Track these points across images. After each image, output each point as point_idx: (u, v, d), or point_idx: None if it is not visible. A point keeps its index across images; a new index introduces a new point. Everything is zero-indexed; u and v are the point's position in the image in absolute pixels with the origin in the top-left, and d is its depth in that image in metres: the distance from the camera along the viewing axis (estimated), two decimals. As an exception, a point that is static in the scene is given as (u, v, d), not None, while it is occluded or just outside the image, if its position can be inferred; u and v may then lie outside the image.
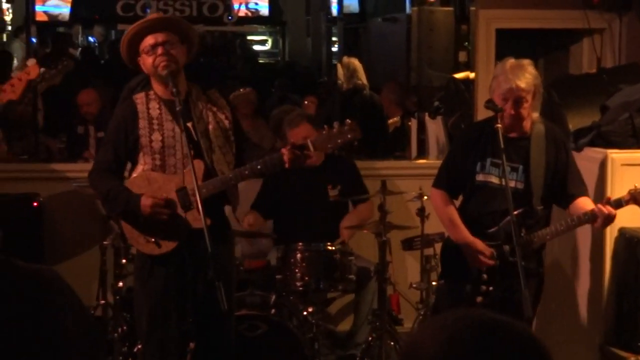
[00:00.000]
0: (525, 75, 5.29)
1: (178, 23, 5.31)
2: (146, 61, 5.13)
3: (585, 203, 5.44)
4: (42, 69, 5.91)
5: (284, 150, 5.02)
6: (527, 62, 5.41)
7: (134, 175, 5.24)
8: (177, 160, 5.13)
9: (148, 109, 5.19)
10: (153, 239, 5.19)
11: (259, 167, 5.06)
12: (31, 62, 6.00)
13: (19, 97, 5.93)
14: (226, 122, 5.27)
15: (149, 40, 5.10)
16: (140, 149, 5.18)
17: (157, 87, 5.23)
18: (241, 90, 8.60)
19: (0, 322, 2.71)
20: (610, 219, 5.26)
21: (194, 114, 5.14)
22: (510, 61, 5.37)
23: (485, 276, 5.44)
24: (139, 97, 5.23)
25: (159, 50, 5.08)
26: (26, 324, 2.72)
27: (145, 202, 5.07)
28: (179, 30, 5.19)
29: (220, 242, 5.16)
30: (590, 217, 5.27)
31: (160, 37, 5.09)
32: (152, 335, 5.27)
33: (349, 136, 4.99)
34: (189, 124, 5.11)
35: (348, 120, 5.05)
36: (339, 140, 4.99)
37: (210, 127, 5.19)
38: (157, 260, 5.21)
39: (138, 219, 5.17)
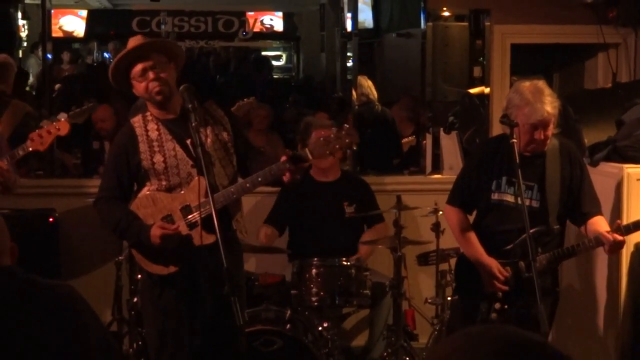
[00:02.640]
0: (549, 99, 5.27)
1: (163, 44, 5.31)
2: (138, 87, 5.12)
3: (598, 223, 5.41)
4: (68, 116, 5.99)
5: (283, 161, 4.99)
6: (541, 83, 5.39)
7: (139, 195, 5.23)
8: (182, 179, 5.10)
9: (147, 131, 5.17)
10: (161, 260, 5.17)
11: (259, 179, 5.04)
12: (62, 116, 6.04)
13: (44, 150, 5.99)
14: (224, 134, 5.24)
15: (138, 67, 5.09)
16: (145, 172, 5.16)
17: (153, 110, 5.22)
18: (245, 100, 8.56)
19: (22, 338, 2.72)
20: (617, 245, 5.25)
21: (191, 129, 5.04)
22: (527, 87, 5.32)
23: (500, 294, 5.43)
24: (137, 121, 5.22)
25: (150, 75, 5.07)
26: (48, 340, 2.73)
27: (155, 232, 5.04)
28: (165, 51, 5.18)
29: (228, 256, 5.19)
30: (596, 243, 5.28)
31: (148, 62, 5.08)
32: (163, 355, 5.25)
33: (346, 140, 4.95)
34: (188, 141, 5.11)
35: (346, 125, 5.02)
36: (337, 145, 4.94)
37: (209, 140, 5.16)
38: (166, 280, 5.20)
39: (143, 246, 5.17)
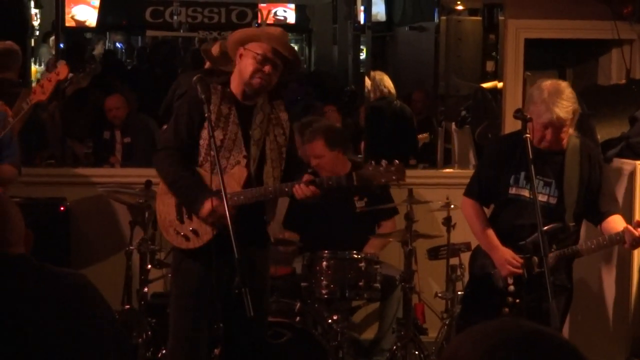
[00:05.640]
0: (564, 103, 5.22)
1: (296, 58, 5.32)
2: (248, 61, 5.10)
3: (617, 222, 5.38)
4: (70, 74, 5.91)
5: (296, 187, 5.04)
6: (564, 85, 5.35)
7: None
8: (229, 164, 5.10)
9: (220, 104, 5.14)
10: (183, 233, 5.19)
11: (285, 189, 5.09)
12: (61, 63, 5.98)
13: (48, 98, 5.91)
14: (282, 138, 5.25)
15: (268, 51, 5.07)
16: (200, 140, 5.15)
17: (236, 87, 5.20)
18: None
19: (35, 326, 2.72)
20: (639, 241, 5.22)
21: (254, 121, 5.14)
22: (547, 86, 5.29)
23: (512, 288, 5.42)
24: (218, 90, 5.18)
25: (267, 68, 5.06)
26: (60, 327, 2.73)
27: (207, 206, 5.02)
28: (289, 62, 5.18)
29: (258, 250, 5.20)
30: (622, 238, 5.23)
31: (277, 57, 5.09)
32: (180, 330, 5.29)
33: (393, 177, 5.02)
34: (250, 131, 5.13)
35: (396, 161, 5.06)
36: (383, 180, 5.02)
37: (267, 138, 5.19)
38: (189, 255, 5.21)
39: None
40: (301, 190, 5.02)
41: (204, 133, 5.11)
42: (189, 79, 5.49)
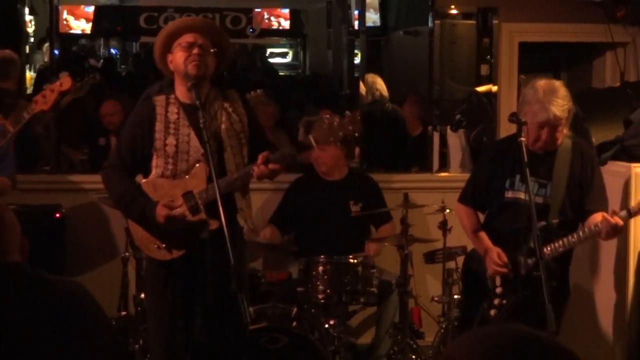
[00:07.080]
0: (560, 102, 5.24)
1: (221, 35, 5.33)
2: (177, 56, 5.12)
3: (597, 218, 5.39)
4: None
5: (254, 168, 5.00)
6: (558, 84, 5.37)
7: (144, 180, 5.22)
8: (190, 165, 5.09)
9: (166, 112, 5.15)
10: (164, 245, 5.17)
11: (249, 171, 5.05)
12: (64, 74, 5.96)
13: (50, 108, 5.89)
14: (239, 125, 5.22)
15: (189, 37, 5.10)
16: (154, 152, 5.15)
17: (180, 89, 5.20)
18: (252, 92, 8.53)
19: (31, 334, 2.72)
20: (616, 229, 5.19)
21: (208, 114, 5.11)
22: (542, 85, 5.29)
23: (499, 289, 5.43)
24: (159, 100, 5.20)
25: (195, 50, 5.08)
26: (55, 335, 2.74)
27: (161, 212, 5.04)
28: (218, 42, 5.21)
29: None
30: (600, 230, 5.23)
31: (200, 39, 5.10)
32: (159, 342, 5.27)
33: (349, 128, 4.94)
34: (201, 121, 5.08)
35: (347, 112, 5.02)
36: (340, 133, 4.93)
37: (223, 126, 5.15)
38: (169, 266, 5.18)
39: (150, 223, 5.16)
40: (259, 169, 4.99)
41: (158, 143, 5.14)
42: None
